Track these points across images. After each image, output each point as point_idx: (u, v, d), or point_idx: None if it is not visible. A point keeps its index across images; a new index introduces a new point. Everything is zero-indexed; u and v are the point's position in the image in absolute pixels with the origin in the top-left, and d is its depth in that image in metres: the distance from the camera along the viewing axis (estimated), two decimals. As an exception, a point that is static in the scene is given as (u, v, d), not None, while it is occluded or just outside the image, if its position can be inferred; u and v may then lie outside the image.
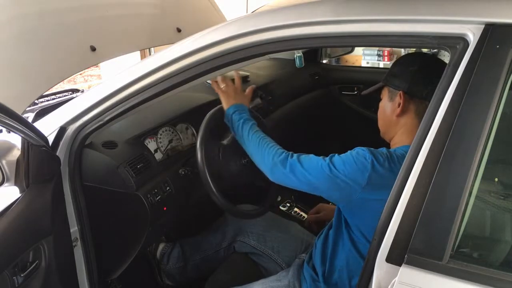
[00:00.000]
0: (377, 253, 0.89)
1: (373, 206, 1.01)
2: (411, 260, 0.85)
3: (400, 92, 1.17)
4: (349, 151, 1.12)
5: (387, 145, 1.23)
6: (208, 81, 2.01)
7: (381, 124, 1.27)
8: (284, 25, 1.07)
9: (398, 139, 1.20)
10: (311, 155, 1.16)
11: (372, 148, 1.11)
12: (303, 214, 2.04)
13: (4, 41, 1.28)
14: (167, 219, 1.54)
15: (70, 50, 1.44)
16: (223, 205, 1.35)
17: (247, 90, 1.46)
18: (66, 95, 2.40)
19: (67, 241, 1.30)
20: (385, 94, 1.24)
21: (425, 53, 1.33)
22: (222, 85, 1.40)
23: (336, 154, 1.13)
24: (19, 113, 1.11)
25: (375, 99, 1.30)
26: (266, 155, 1.20)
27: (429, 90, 1.06)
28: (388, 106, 1.21)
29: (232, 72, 1.56)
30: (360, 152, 1.09)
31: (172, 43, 1.23)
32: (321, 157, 1.14)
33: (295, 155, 1.17)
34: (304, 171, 1.13)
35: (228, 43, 1.13)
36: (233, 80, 1.45)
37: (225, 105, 1.37)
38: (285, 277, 1.34)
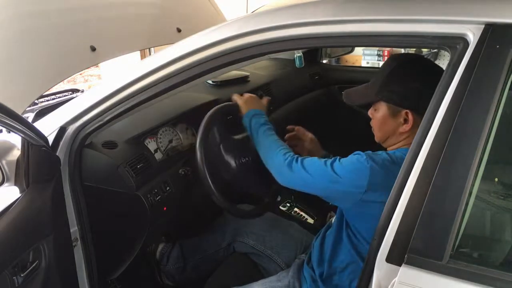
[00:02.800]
0: (377, 253, 0.89)
1: (375, 209, 1.01)
2: (411, 260, 0.85)
3: (407, 111, 1.13)
4: (349, 156, 1.13)
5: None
6: (208, 81, 2.02)
7: (380, 135, 1.23)
8: (284, 25, 1.07)
9: (399, 144, 1.19)
10: (315, 159, 1.17)
11: (370, 152, 1.11)
12: (303, 214, 2.04)
13: (4, 40, 1.28)
14: (167, 219, 1.54)
15: (70, 50, 1.44)
16: (223, 205, 1.35)
17: (264, 100, 1.50)
18: (66, 95, 2.41)
19: (67, 241, 1.30)
20: (382, 108, 1.18)
21: (418, 59, 1.26)
22: (244, 96, 1.46)
23: (337, 159, 1.14)
24: (19, 113, 1.11)
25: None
26: (275, 159, 1.23)
27: None
28: (390, 121, 1.17)
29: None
30: (359, 158, 1.09)
31: (172, 43, 1.23)
32: (324, 160, 1.15)
33: (299, 158, 1.18)
34: (308, 175, 1.15)
35: (228, 43, 1.13)
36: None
37: (244, 109, 1.41)
38: (285, 277, 1.34)
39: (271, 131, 1.33)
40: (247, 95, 1.46)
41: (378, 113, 1.20)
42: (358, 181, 1.07)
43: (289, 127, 1.55)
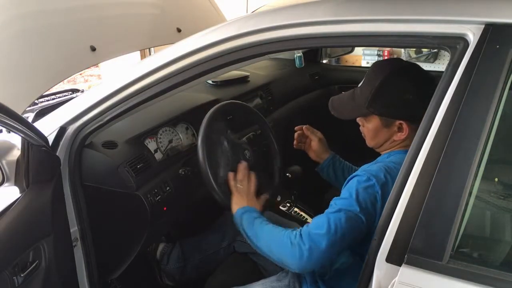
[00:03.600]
0: (377, 253, 0.89)
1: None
2: (411, 260, 0.85)
3: (401, 122, 1.12)
4: (352, 186, 1.07)
5: None
6: (208, 81, 2.02)
7: (372, 144, 1.21)
8: (284, 25, 1.07)
9: (391, 149, 1.18)
10: (319, 217, 1.07)
11: (368, 170, 1.08)
12: (303, 214, 2.04)
13: (4, 41, 1.28)
14: (167, 219, 1.54)
15: (70, 50, 1.44)
16: (224, 203, 1.35)
17: (262, 198, 1.36)
18: (66, 95, 2.41)
19: (67, 241, 1.30)
20: (373, 119, 1.16)
21: (408, 67, 1.18)
22: (239, 183, 1.33)
23: (337, 201, 1.07)
24: (19, 113, 1.11)
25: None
26: (282, 246, 1.08)
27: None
28: (383, 131, 1.16)
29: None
30: (360, 181, 1.06)
31: (172, 43, 1.23)
32: (325, 213, 1.07)
33: (304, 228, 1.07)
34: (322, 231, 1.03)
35: (228, 43, 1.13)
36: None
37: (235, 205, 1.28)
38: (285, 277, 1.34)
39: (266, 222, 1.18)
40: (244, 184, 1.32)
41: (370, 124, 1.17)
42: (372, 202, 1.05)
43: (297, 127, 1.52)
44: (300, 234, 1.05)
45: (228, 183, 1.34)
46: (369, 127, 1.18)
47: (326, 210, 1.08)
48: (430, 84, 1.09)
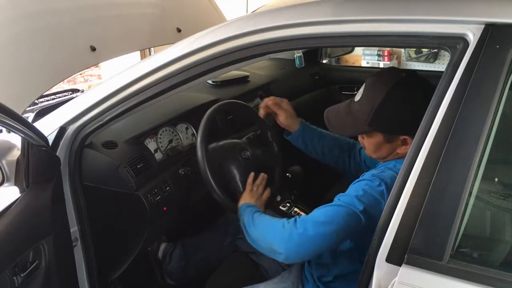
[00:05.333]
0: (377, 253, 0.89)
1: None
2: (411, 260, 0.85)
3: (405, 137, 1.10)
4: (360, 186, 1.07)
5: None
6: (208, 81, 2.02)
7: (375, 156, 1.19)
8: (284, 25, 1.07)
9: (394, 157, 1.17)
10: (317, 209, 1.08)
11: (379, 176, 1.07)
12: (303, 214, 2.03)
13: (4, 41, 1.28)
14: (167, 219, 1.54)
15: (70, 50, 1.44)
16: (224, 203, 1.35)
17: (265, 194, 1.38)
18: (66, 95, 2.40)
19: (67, 241, 1.30)
20: (376, 136, 1.13)
21: (407, 80, 1.12)
22: (255, 187, 1.36)
23: (341, 196, 1.07)
24: (19, 113, 1.11)
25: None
26: (276, 227, 1.11)
27: None
28: (386, 146, 1.13)
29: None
30: (370, 184, 1.05)
31: (172, 43, 1.23)
32: (326, 205, 1.08)
33: (302, 216, 1.09)
34: (319, 219, 1.05)
35: (228, 43, 1.13)
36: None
37: (243, 200, 1.31)
38: (287, 278, 1.34)
39: (267, 215, 1.20)
40: (260, 190, 1.36)
41: (372, 140, 1.14)
42: (379, 200, 1.04)
43: (262, 104, 1.50)
44: (295, 220, 1.07)
45: (246, 181, 1.37)
46: (370, 141, 1.15)
47: (327, 204, 1.09)
48: (429, 93, 1.04)
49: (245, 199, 1.31)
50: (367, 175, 1.11)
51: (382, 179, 1.05)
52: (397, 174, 0.95)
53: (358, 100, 1.14)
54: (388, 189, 1.00)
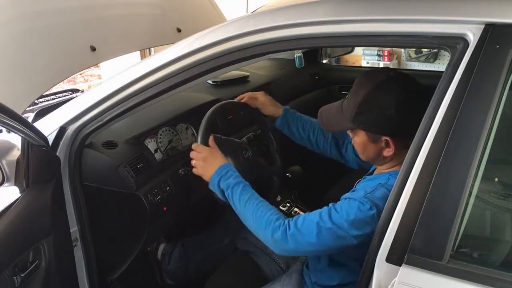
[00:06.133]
0: (377, 253, 0.89)
1: None
2: (411, 260, 0.85)
3: (387, 138, 1.09)
4: (351, 209, 1.04)
5: None
6: (208, 81, 2.02)
7: (364, 158, 1.18)
8: (284, 25, 1.07)
9: (387, 166, 1.16)
10: (308, 217, 1.08)
11: (370, 198, 1.04)
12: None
13: (4, 41, 1.28)
14: (167, 219, 1.54)
15: (70, 50, 1.44)
16: (224, 202, 1.35)
17: (210, 141, 1.31)
18: (66, 95, 2.40)
19: (67, 241, 1.30)
20: (360, 134, 1.13)
21: (391, 79, 1.10)
22: (194, 159, 1.28)
23: (333, 213, 1.06)
24: (19, 113, 1.11)
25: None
26: (265, 231, 1.11)
27: (414, 124, 0.93)
28: (371, 146, 1.12)
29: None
30: (361, 209, 1.03)
31: (172, 43, 1.23)
32: (318, 215, 1.07)
33: (291, 223, 1.08)
34: (310, 239, 1.05)
35: (228, 43, 1.13)
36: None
37: (206, 176, 1.25)
38: (288, 284, 1.33)
39: (246, 192, 1.18)
40: (199, 150, 1.28)
41: (358, 138, 1.14)
42: (369, 225, 1.01)
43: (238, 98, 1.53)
44: (285, 231, 1.07)
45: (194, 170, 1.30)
46: (357, 141, 1.15)
47: (321, 214, 1.06)
48: (417, 97, 1.05)
49: (206, 175, 1.24)
50: (359, 192, 1.08)
51: (373, 202, 1.02)
52: (389, 191, 0.94)
53: (347, 97, 1.16)
54: (379, 212, 0.97)
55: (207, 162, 1.25)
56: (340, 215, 1.04)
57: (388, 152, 1.10)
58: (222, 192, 1.21)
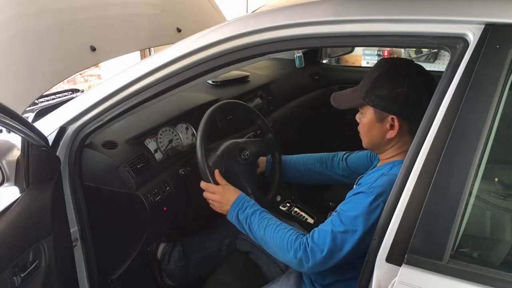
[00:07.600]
0: (377, 253, 0.89)
1: None
2: (411, 260, 0.85)
3: (393, 116, 1.12)
4: (359, 205, 1.07)
5: None
6: (208, 81, 2.02)
7: (367, 141, 1.21)
8: (284, 25, 1.07)
9: (390, 155, 1.18)
10: (321, 228, 1.10)
11: (375, 188, 1.07)
12: (303, 214, 2.04)
13: (4, 41, 1.28)
14: (167, 219, 1.54)
15: (70, 50, 1.44)
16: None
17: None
18: (66, 95, 2.40)
19: (67, 241, 1.30)
20: (368, 112, 1.16)
21: (407, 64, 1.19)
22: (209, 199, 1.33)
23: (342, 215, 1.08)
24: (19, 113, 1.11)
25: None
26: (288, 254, 1.13)
27: (422, 110, 0.96)
28: (376, 126, 1.16)
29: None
30: (368, 201, 1.06)
31: (172, 43, 1.23)
32: (329, 223, 1.10)
33: (309, 240, 1.10)
34: (329, 248, 1.08)
35: (228, 43, 1.13)
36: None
37: (225, 212, 1.30)
38: (287, 284, 1.33)
39: (263, 219, 1.21)
40: (212, 190, 1.32)
41: (365, 118, 1.18)
42: (375, 218, 1.04)
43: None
44: (305, 249, 1.09)
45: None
46: (364, 121, 1.18)
47: (332, 221, 1.09)
48: (428, 83, 1.10)
49: (224, 210, 1.29)
50: (363, 185, 1.11)
51: (377, 193, 1.05)
52: (393, 179, 0.96)
53: (363, 78, 1.20)
54: (384, 201, 0.99)
55: (222, 200, 1.30)
56: (348, 214, 1.07)
57: (391, 134, 1.14)
58: (241, 226, 1.25)
